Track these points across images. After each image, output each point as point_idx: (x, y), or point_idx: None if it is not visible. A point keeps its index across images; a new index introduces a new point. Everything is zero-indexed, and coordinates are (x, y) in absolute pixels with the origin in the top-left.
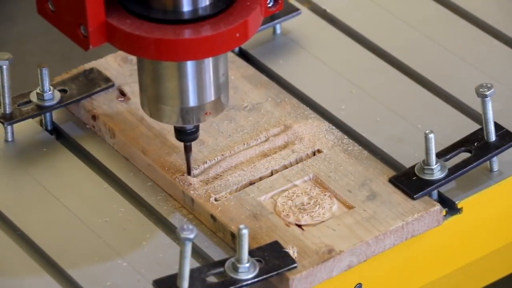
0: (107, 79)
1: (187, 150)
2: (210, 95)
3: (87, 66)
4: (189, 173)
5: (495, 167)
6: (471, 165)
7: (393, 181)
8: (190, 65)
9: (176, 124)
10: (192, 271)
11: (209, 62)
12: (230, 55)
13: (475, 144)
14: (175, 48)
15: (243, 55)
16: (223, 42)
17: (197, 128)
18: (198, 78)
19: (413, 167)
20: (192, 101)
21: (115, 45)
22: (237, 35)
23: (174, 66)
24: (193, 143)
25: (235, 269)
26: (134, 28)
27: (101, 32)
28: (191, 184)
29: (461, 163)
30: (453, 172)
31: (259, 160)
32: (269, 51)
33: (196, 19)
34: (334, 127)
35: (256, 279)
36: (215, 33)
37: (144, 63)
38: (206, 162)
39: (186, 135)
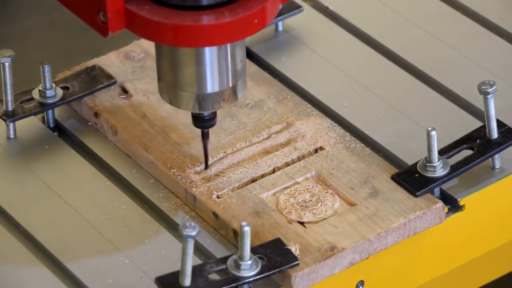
0: (109, 76)
1: (205, 137)
2: (228, 81)
3: (89, 63)
4: (206, 160)
5: (497, 165)
6: (473, 163)
7: (395, 178)
8: (208, 51)
9: (194, 110)
10: (194, 268)
11: (227, 49)
12: None
13: (477, 141)
14: (194, 34)
15: (246, 52)
16: (241, 28)
17: (214, 115)
18: (216, 65)
19: (415, 164)
20: (209, 88)
21: (133, 31)
22: (256, 21)
23: (192, 52)
24: (195, 140)
25: (237, 266)
26: (152, 14)
27: (120, 18)
28: (193, 181)
29: (463, 160)
30: (455, 169)
31: (261, 157)
32: (271, 48)
33: (215, 5)
34: (336, 125)
35: (258, 276)
36: (234, 19)
37: (162, 49)
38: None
39: (203, 122)
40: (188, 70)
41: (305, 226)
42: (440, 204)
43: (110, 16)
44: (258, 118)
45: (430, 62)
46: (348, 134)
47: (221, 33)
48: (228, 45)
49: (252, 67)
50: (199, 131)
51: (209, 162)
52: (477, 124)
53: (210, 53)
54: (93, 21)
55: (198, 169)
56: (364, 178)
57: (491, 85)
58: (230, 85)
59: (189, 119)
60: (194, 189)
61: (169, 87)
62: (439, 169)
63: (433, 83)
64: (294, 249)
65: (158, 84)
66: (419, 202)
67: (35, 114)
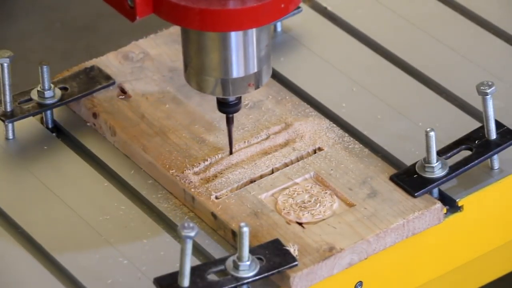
0: (108, 77)
1: (230, 122)
2: (253, 66)
3: (88, 63)
4: (231, 145)
5: (496, 165)
6: (472, 163)
7: (394, 179)
8: (234, 36)
9: (219, 95)
10: (193, 269)
11: (252, 33)
12: None
13: (476, 142)
14: (220, 19)
15: None
16: (268, 12)
17: (239, 100)
18: (242, 49)
19: (414, 165)
20: (235, 72)
21: (161, 16)
22: (282, 5)
23: (218, 37)
24: (193, 140)
25: (236, 267)
26: None
27: (147, 2)
28: (192, 182)
29: (462, 161)
30: (454, 170)
31: (260, 158)
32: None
33: None
34: (335, 125)
35: (257, 277)
36: (260, 4)
37: (189, 34)
38: (207, 160)
39: (228, 107)
40: (213, 55)
41: (303, 227)
42: (439, 204)
43: (138, 1)
44: (256, 119)
45: (429, 62)
46: (346, 134)
47: (247, 18)
48: (254, 30)
49: None
50: (197, 132)
51: (208, 163)
52: (476, 124)
53: (236, 38)
54: (120, 6)
55: (196, 169)
56: (363, 179)
57: (490, 86)
58: (255, 70)
59: (188, 120)
60: (193, 189)
61: (196, 72)
62: (437, 170)
63: (432, 83)
64: (293, 249)
65: (184, 71)
66: (417, 203)
67: (33, 114)
